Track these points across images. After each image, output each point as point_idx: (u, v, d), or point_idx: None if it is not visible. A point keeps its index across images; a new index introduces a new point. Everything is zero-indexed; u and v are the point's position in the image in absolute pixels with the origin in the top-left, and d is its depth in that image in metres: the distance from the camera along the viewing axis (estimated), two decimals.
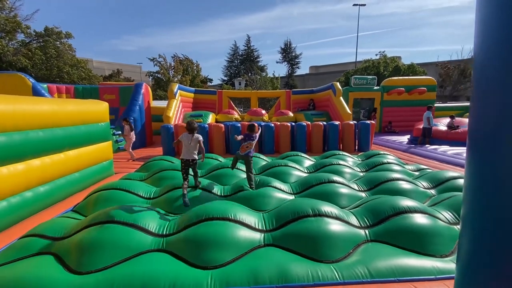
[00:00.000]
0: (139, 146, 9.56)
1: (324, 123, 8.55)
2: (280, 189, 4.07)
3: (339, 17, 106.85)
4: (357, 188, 4.28)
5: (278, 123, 8.47)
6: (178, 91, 11.60)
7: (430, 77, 14.45)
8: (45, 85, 10.86)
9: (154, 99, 24.42)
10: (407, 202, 3.08)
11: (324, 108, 12.77)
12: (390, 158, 6.11)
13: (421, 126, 10.10)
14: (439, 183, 4.41)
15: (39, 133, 3.97)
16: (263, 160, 6.09)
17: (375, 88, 13.63)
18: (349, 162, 5.82)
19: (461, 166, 6.74)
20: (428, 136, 9.70)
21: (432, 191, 4.24)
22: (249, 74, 31.57)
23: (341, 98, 11.22)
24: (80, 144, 4.97)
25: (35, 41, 21.67)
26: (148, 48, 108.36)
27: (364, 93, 13.56)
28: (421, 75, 23.26)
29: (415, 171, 5.54)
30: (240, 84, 32.20)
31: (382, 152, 6.68)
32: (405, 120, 13.89)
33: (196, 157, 3.87)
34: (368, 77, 13.75)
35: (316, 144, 8.33)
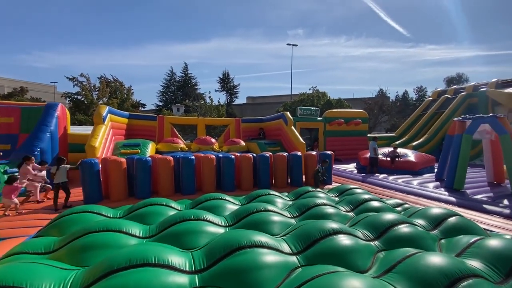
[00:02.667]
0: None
1: (285, 153, 7.91)
2: (213, 223, 3.77)
3: (270, 55, 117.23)
4: (288, 215, 4.34)
5: (238, 154, 7.43)
6: (108, 115, 9.44)
7: (363, 111, 16.00)
8: None
9: (72, 124, 20.36)
10: (332, 225, 3.29)
11: (275, 137, 12.42)
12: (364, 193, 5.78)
13: (367, 155, 10.60)
14: (356, 205, 4.92)
15: None
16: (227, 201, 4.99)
17: (318, 118, 14.19)
18: (325, 199, 5.28)
19: (407, 192, 6.95)
20: (376, 165, 10.16)
21: (351, 214, 4.68)
22: (189, 100, 29.92)
23: (293, 127, 11.05)
24: None
25: None
26: (66, 67, 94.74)
27: (310, 123, 13.93)
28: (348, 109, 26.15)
29: (397, 206, 5.21)
30: (178, 110, 30.20)
31: (353, 186, 6.37)
32: (346, 149, 14.71)
33: None
34: (312, 108, 14.34)
35: (281, 177, 7.53)
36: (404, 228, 3.50)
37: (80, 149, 8.11)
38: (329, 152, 8.38)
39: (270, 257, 2.71)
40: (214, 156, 6.89)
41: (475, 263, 2.72)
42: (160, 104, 45.55)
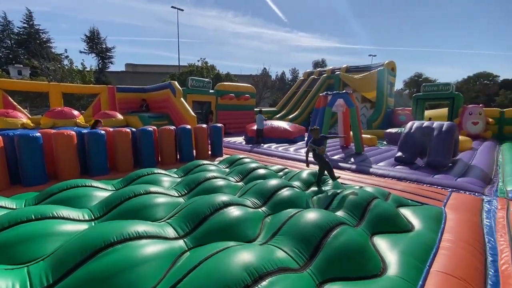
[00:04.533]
0: None
1: (172, 127, 7.18)
2: (68, 219, 2.88)
3: (153, 18, 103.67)
4: (176, 194, 3.95)
5: (110, 129, 6.07)
6: None
7: (251, 86, 16.79)
8: None
9: None
10: (222, 198, 3.16)
11: (161, 110, 11.19)
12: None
13: (254, 128, 11.29)
14: (245, 175, 5.03)
15: None
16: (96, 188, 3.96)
17: (211, 91, 13.82)
18: (216, 171, 5.17)
19: (286, 158, 8.00)
20: (261, 136, 10.99)
21: (241, 183, 4.72)
22: (38, 61, 22.26)
23: (182, 99, 10.22)
24: None
25: None
26: None
27: (202, 96, 13.35)
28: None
29: (279, 171, 5.69)
30: (20, 73, 22.24)
31: (242, 156, 6.53)
32: (235, 122, 15.22)
33: None
34: (205, 79, 13.69)
35: (168, 154, 6.79)
36: (286, 192, 3.78)
37: None
38: (219, 125, 8.24)
39: (149, 249, 2.23)
40: (73, 133, 5.32)
41: (339, 213, 3.23)
42: None
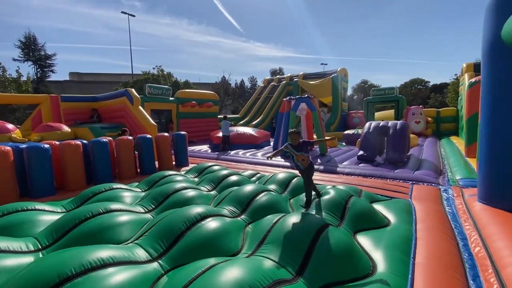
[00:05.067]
0: None
1: (130, 137, 6.56)
2: (9, 251, 2.37)
3: (100, 24, 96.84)
4: (141, 210, 3.54)
5: (56, 143, 5.27)
6: None
7: (214, 93, 16.46)
8: None
9: None
10: (197, 210, 2.90)
11: (116, 120, 10.25)
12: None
13: (220, 134, 11.02)
14: (217, 183, 4.77)
15: None
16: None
17: (171, 99, 13.15)
18: (184, 182, 4.80)
19: (255, 163, 7.94)
20: (228, 143, 10.74)
21: (213, 192, 4.48)
22: None
23: (141, 107, 9.49)
24: None
25: None
26: None
27: (161, 104, 12.61)
28: None
29: (252, 177, 5.52)
30: None
31: (211, 164, 6.23)
32: (198, 131, 14.70)
33: None
34: (164, 86, 12.97)
35: (127, 166, 6.14)
36: (264, 197, 3.63)
37: None
38: (183, 133, 7.80)
39: (118, 278, 1.87)
40: (9, 148, 4.48)
41: (320, 214, 3.17)
42: None
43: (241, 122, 17.31)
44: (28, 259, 2.36)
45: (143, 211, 3.53)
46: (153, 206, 3.66)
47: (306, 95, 9.40)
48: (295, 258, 2.20)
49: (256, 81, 43.83)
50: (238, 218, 3.21)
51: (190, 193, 4.04)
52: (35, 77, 36.58)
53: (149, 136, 6.76)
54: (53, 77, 40.02)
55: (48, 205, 3.63)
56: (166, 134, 7.28)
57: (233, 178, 4.92)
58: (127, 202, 3.94)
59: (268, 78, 22.89)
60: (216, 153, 10.27)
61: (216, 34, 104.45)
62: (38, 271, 1.80)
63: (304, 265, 2.16)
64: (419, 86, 45.42)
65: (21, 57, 36.61)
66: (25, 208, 3.28)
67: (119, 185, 4.41)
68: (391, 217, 3.45)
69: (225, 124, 10.64)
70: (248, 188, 3.80)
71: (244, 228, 3.01)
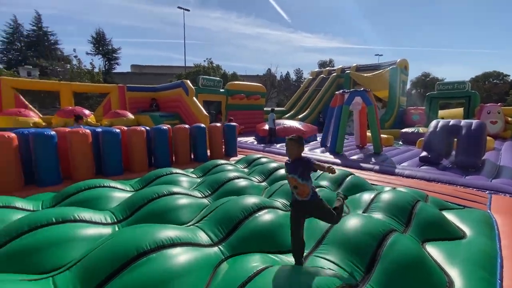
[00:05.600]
0: None
1: (186, 125, 6.95)
2: (91, 222, 2.66)
3: (158, 20, 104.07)
4: (199, 195, 3.70)
5: (125, 128, 5.87)
6: None
7: (262, 85, 16.53)
8: None
9: None
10: (252, 200, 2.90)
11: (172, 110, 11.00)
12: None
13: (266, 127, 11.05)
14: (267, 175, 4.77)
15: None
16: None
17: (221, 91, 13.59)
18: (236, 171, 4.93)
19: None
20: (274, 135, 10.72)
21: (264, 184, 4.48)
22: (48, 61, 22.31)
23: (194, 98, 10.01)
24: None
25: None
26: None
27: (212, 95, 13.12)
28: None
29: None
30: (30, 74, 22.36)
31: (259, 156, 6.29)
32: (245, 122, 14.96)
33: None
34: (215, 78, 13.47)
35: (182, 153, 6.56)
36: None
37: None
38: (233, 124, 8.01)
39: (184, 257, 1.99)
40: (89, 131, 5.12)
41: (381, 217, 2.94)
42: (1, 66, 32.48)
43: (286, 115, 17.09)
44: (106, 230, 2.67)
45: (200, 196, 3.71)
46: (209, 192, 3.84)
47: (362, 88, 8.78)
48: (359, 263, 2.07)
49: (302, 73, 42.67)
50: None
51: (243, 182, 4.13)
52: (104, 69, 41.36)
53: (202, 125, 7.08)
54: (117, 69, 44.76)
55: (119, 183, 4.06)
56: (218, 124, 7.55)
57: (283, 171, 4.88)
58: (185, 187, 4.20)
59: (316, 70, 22.07)
60: (262, 145, 10.35)
61: (263, 26, 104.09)
62: (119, 243, 2.01)
63: (369, 272, 2.02)
64: (494, 81, 39.07)
65: (93, 51, 41.65)
66: (102, 185, 3.72)
67: (177, 170, 4.72)
68: (466, 228, 3.04)
69: (272, 117, 10.61)
70: None
71: None
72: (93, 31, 43.96)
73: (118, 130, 5.44)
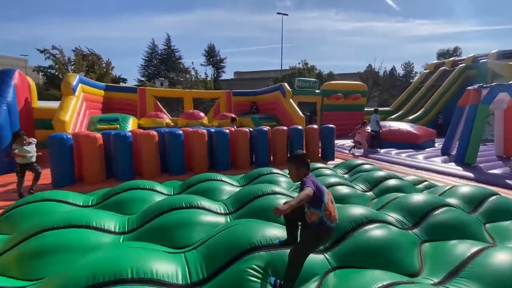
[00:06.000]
0: (7, 170, 5.90)
1: (284, 127, 7.11)
2: (210, 210, 3.00)
3: (258, 28, 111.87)
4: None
5: (233, 129, 6.55)
6: (80, 85, 8.17)
7: (362, 83, 15.21)
8: None
9: (45, 98, 18.56)
10: (360, 211, 2.66)
11: (270, 112, 11.54)
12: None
13: (368, 129, 10.03)
14: (374, 184, 4.31)
15: None
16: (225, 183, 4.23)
17: (317, 91, 13.31)
18: (336, 176, 4.64)
19: (415, 167, 6.42)
20: (378, 139, 9.60)
21: (370, 193, 4.11)
22: (175, 73, 27.92)
23: (291, 100, 10.18)
24: None
25: None
26: (39, 39, 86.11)
27: (308, 96, 13.03)
28: None
29: (417, 184, 4.61)
30: (162, 84, 28.35)
31: (361, 162, 5.75)
32: (342, 124, 14.07)
33: None
34: (311, 79, 13.36)
35: (280, 153, 6.78)
36: (445, 213, 2.86)
37: (49, 125, 6.95)
38: (331, 126, 7.66)
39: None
40: (205, 131, 5.99)
41: None
42: (142, 79, 42.88)
43: (392, 116, 15.03)
44: (221, 219, 2.99)
45: None
46: None
47: (510, 82, 6.71)
48: None
49: (413, 67, 36.52)
50: (409, 231, 2.70)
51: (345, 189, 3.86)
52: (213, 77, 47.87)
53: (299, 127, 7.10)
54: (223, 76, 51.04)
55: (228, 178, 4.54)
56: (315, 126, 7.39)
57: (393, 181, 4.28)
58: (283, 187, 4.28)
59: (435, 62, 18.49)
60: (362, 149, 9.45)
61: (364, 19, 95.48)
62: (236, 236, 2.19)
63: None
64: None
65: (205, 63, 48.89)
66: (216, 178, 4.24)
67: (277, 170, 4.87)
68: None
69: (375, 118, 9.53)
70: (421, 197, 3.13)
71: (420, 246, 2.49)
72: (205, 46, 51.62)
73: (227, 131, 6.13)
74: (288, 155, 2.10)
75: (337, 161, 7.45)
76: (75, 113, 7.28)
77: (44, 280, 1.93)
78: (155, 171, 5.56)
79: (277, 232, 2.28)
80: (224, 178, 4.32)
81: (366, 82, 22.97)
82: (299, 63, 32.88)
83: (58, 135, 5.04)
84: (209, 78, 28.68)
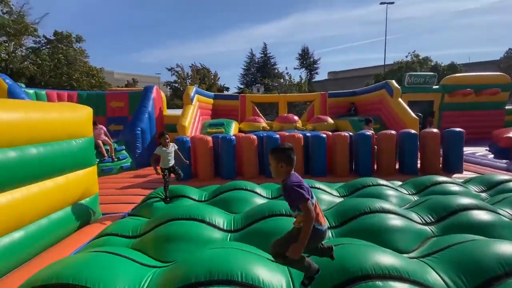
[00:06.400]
0: (147, 164, 7.58)
1: (393, 131, 6.17)
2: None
3: (355, 23, 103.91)
4: (418, 220, 2.97)
5: (330, 133, 6.20)
6: (196, 95, 9.66)
7: (503, 74, 11.70)
8: (43, 91, 9.29)
9: (170, 107, 22.96)
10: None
11: (371, 113, 10.36)
12: None
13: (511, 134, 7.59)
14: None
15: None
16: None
17: (434, 87, 11.06)
18: (468, 196, 3.63)
19: None
20: None
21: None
22: (269, 79, 29.45)
23: (400, 99, 8.83)
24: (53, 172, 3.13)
25: (44, 47, 20.71)
26: (168, 59, 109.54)
27: (421, 94, 11.01)
28: None
29: None
30: (258, 90, 30.31)
31: (506, 178, 4.31)
32: (470, 127, 11.16)
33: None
34: (427, 73, 11.23)
35: (387, 162, 5.94)
36: None
37: (174, 129, 8.54)
38: (458, 129, 6.15)
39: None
40: (301, 135, 5.91)
41: None
42: (242, 86, 47.15)
43: None
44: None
45: (420, 221, 3.02)
46: (432, 220, 3.00)
47: None
48: None
49: None
50: None
51: (485, 216, 2.92)
52: (306, 79, 47.62)
53: (413, 131, 6.02)
54: (316, 78, 49.99)
55: (325, 185, 4.26)
56: (435, 130, 6.11)
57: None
58: (394, 203, 3.66)
59: None
60: (505, 161, 7.18)
61: None
62: (346, 257, 1.98)
63: None
64: None
65: (298, 66, 49.12)
66: (313, 186, 4.08)
67: (384, 182, 4.23)
68: None
69: None
70: None
71: None
72: (298, 49, 51.97)
73: (324, 135, 5.86)
74: (270, 149, 1.62)
75: (466, 174, 5.91)
76: (192, 119, 8.65)
77: (171, 266, 2.26)
78: (253, 173, 5.90)
79: (396, 262, 1.91)
80: (322, 186, 4.11)
81: (507, 72, 17.51)
82: (406, 56, 28.51)
83: (180, 137, 6.07)
84: (303, 81, 28.65)
